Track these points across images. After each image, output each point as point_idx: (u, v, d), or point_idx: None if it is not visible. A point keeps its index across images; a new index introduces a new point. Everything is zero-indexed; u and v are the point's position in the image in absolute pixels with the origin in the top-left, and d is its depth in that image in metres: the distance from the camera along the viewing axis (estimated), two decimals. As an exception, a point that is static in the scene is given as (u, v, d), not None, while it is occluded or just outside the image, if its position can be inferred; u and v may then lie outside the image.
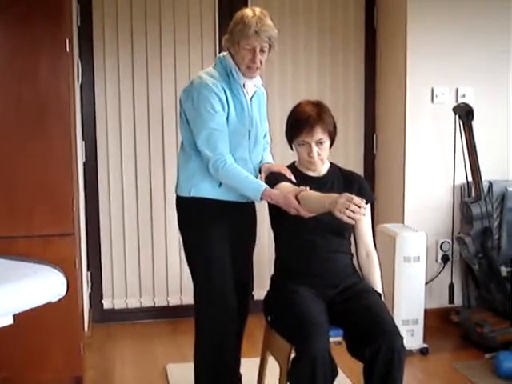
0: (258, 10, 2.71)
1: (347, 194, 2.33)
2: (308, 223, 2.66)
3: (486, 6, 4.15)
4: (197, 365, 2.89)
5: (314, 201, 2.53)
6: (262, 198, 2.65)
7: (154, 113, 4.34)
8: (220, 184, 2.75)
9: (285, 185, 2.70)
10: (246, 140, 2.80)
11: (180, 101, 2.83)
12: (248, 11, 2.71)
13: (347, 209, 2.28)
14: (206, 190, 2.77)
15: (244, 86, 2.79)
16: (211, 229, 2.78)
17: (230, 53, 2.77)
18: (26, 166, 3.14)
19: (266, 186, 2.65)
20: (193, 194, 2.78)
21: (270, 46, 2.72)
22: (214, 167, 2.67)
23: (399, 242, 3.75)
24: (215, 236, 2.78)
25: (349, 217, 2.29)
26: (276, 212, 2.79)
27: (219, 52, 4.28)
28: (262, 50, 2.70)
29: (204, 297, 2.83)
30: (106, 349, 4.01)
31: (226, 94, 2.72)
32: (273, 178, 2.76)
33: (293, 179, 2.76)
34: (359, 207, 2.29)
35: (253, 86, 2.85)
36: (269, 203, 2.81)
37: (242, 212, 2.90)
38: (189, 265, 2.89)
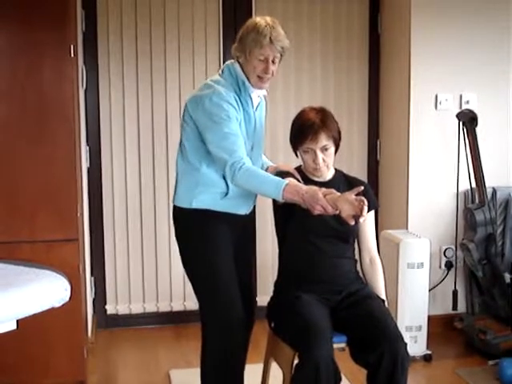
0: (269, 19, 2.63)
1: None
2: (313, 228, 2.65)
3: (490, 13, 4.16)
4: (203, 372, 2.84)
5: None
6: (284, 197, 2.46)
7: (159, 118, 4.34)
8: (222, 197, 2.69)
9: (292, 180, 2.67)
10: (249, 152, 2.72)
11: (186, 109, 2.71)
12: (260, 20, 2.62)
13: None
14: (207, 201, 2.69)
15: (251, 97, 2.72)
16: (214, 239, 2.72)
17: (238, 62, 2.68)
18: (31, 171, 3.15)
19: (288, 181, 2.48)
20: (194, 206, 2.69)
21: (280, 56, 2.67)
22: (231, 170, 2.52)
23: (403, 248, 3.75)
24: (219, 246, 2.72)
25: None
26: (281, 217, 2.79)
27: (223, 58, 4.30)
28: (273, 61, 2.65)
29: (210, 307, 2.75)
30: (109, 354, 4.01)
31: (237, 104, 2.65)
32: (279, 175, 2.69)
33: (300, 179, 2.72)
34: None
35: (257, 96, 2.77)
36: (274, 208, 2.81)
37: (243, 223, 2.85)
38: (189, 276, 2.81)
